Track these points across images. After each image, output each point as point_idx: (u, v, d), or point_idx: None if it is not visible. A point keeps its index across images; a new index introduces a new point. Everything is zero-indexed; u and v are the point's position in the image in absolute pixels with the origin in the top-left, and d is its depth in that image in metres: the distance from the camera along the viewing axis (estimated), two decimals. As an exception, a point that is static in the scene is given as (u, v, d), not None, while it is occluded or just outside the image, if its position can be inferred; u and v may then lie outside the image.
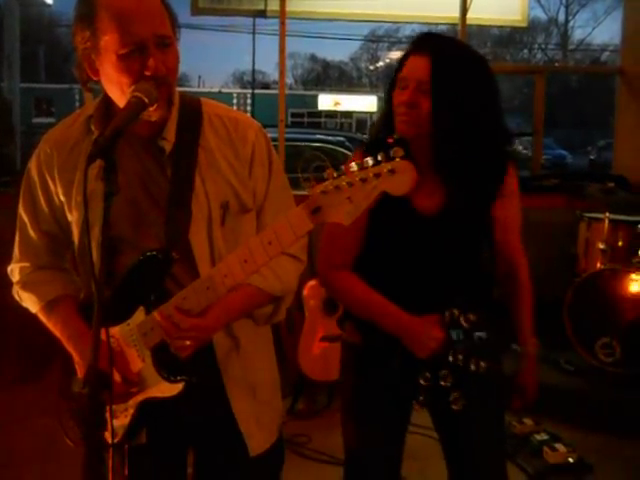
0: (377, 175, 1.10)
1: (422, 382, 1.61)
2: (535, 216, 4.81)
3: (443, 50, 1.60)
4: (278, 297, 1.47)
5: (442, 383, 1.58)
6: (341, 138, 7.23)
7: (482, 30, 20.86)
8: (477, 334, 1.56)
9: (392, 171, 1.09)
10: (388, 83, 1.68)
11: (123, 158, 1.34)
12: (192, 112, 1.43)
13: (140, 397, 1.38)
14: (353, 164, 1.12)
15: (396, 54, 21.43)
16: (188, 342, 1.32)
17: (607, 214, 3.85)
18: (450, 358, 1.56)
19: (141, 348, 1.37)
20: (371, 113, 21.34)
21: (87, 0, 1.30)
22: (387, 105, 1.67)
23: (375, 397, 1.75)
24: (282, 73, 4.93)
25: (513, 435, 3.17)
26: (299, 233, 1.20)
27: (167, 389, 1.36)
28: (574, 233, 4.22)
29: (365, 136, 15.14)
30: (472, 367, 1.55)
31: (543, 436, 3.13)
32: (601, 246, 3.83)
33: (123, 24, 1.26)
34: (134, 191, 1.39)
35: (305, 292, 3.52)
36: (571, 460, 2.96)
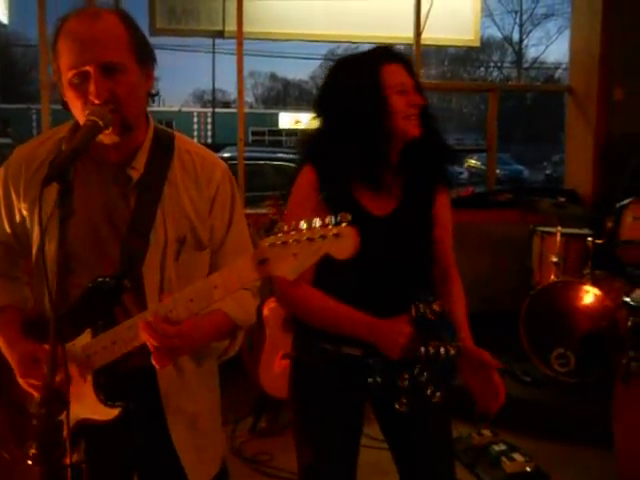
0: (323, 237, 1.15)
1: (401, 382, 1.61)
2: (491, 231, 4.95)
3: (405, 58, 1.74)
4: (236, 329, 1.50)
5: (421, 379, 1.59)
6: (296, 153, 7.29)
7: (440, 49, 21.29)
8: (443, 322, 1.60)
9: (337, 235, 1.14)
10: (364, 95, 1.68)
11: (89, 182, 1.38)
12: (164, 145, 1.47)
13: (77, 417, 1.39)
14: (303, 222, 1.17)
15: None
16: (171, 349, 1.31)
17: (559, 228, 3.96)
18: (422, 350, 1.56)
19: (83, 369, 1.38)
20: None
21: (57, 23, 1.35)
22: (376, 117, 1.67)
23: (327, 412, 1.77)
24: (240, 92, 4.97)
25: (472, 446, 3.23)
26: (244, 282, 1.24)
27: (104, 413, 1.38)
28: (529, 247, 4.32)
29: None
30: (443, 354, 1.57)
31: (501, 446, 3.19)
32: (554, 259, 3.93)
33: (73, 48, 1.30)
34: (96, 215, 1.41)
35: (265, 311, 3.53)
36: (528, 469, 3.02)
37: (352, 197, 1.68)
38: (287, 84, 25.74)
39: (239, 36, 4.78)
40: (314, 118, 1.76)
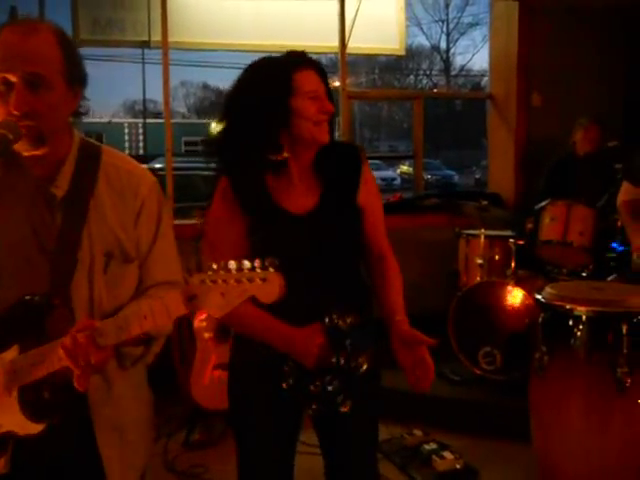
0: (250, 280, 1.19)
1: (312, 389, 1.66)
2: (419, 235, 5.05)
3: (318, 63, 1.76)
4: (151, 338, 1.50)
5: (329, 388, 1.65)
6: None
7: (370, 57, 21.59)
8: (355, 334, 1.65)
9: (264, 280, 1.19)
10: (274, 99, 1.69)
11: (16, 194, 1.38)
12: (90, 159, 1.47)
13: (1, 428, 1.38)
14: (232, 262, 1.20)
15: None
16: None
17: (482, 230, 4.08)
18: (334, 360, 1.63)
19: (9, 383, 1.37)
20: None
21: None
22: (274, 121, 1.68)
23: (262, 416, 1.79)
24: (167, 103, 4.93)
25: (404, 447, 3.29)
26: (173, 316, 1.26)
27: (28, 427, 1.37)
28: (455, 250, 4.43)
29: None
30: (353, 365, 1.64)
31: (432, 445, 3.25)
32: (479, 261, 4.05)
33: (3, 55, 1.32)
34: (23, 232, 1.41)
35: (196, 323, 3.51)
36: (458, 466, 3.10)
37: (270, 200, 1.71)
38: (220, 93, 25.59)
39: (164, 46, 4.75)
40: (219, 122, 1.75)
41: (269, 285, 1.18)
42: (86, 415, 1.46)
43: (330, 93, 1.74)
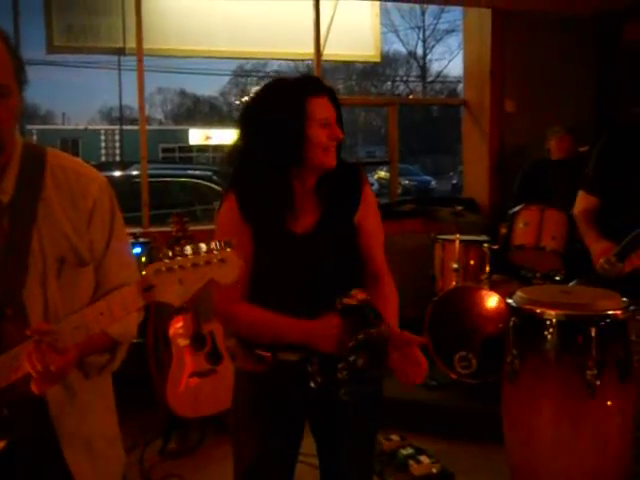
0: (208, 263, 1.17)
1: (340, 375, 1.65)
2: (396, 240, 5.06)
3: (331, 89, 1.80)
4: (116, 345, 1.48)
5: (359, 363, 1.63)
6: (208, 173, 7.26)
7: (348, 64, 21.65)
8: (369, 306, 1.67)
9: (222, 260, 1.17)
10: (287, 125, 1.73)
11: None
12: (35, 163, 1.43)
13: None
14: (188, 247, 1.18)
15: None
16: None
17: (458, 236, 4.11)
18: (354, 338, 1.63)
19: None
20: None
21: None
22: (296, 147, 1.73)
23: (265, 423, 1.82)
24: (142, 109, 4.91)
25: (381, 452, 3.29)
26: (130, 309, 1.24)
27: None
28: (431, 255, 4.46)
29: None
30: (375, 336, 1.63)
31: (409, 450, 3.26)
32: (454, 266, 4.08)
33: None
34: None
35: (172, 330, 3.50)
36: (434, 470, 3.12)
37: (273, 217, 1.75)
38: (197, 100, 25.55)
39: (139, 53, 4.73)
40: (237, 135, 1.81)
41: (227, 265, 1.16)
42: (51, 429, 1.42)
43: (341, 119, 1.79)
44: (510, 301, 2.25)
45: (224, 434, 3.42)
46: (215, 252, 1.16)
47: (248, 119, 1.80)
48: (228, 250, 1.17)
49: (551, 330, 2.08)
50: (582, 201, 2.78)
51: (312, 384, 1.70)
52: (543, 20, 5.22)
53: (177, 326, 3.51)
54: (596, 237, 2.56)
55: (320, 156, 1.73)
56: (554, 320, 2.08)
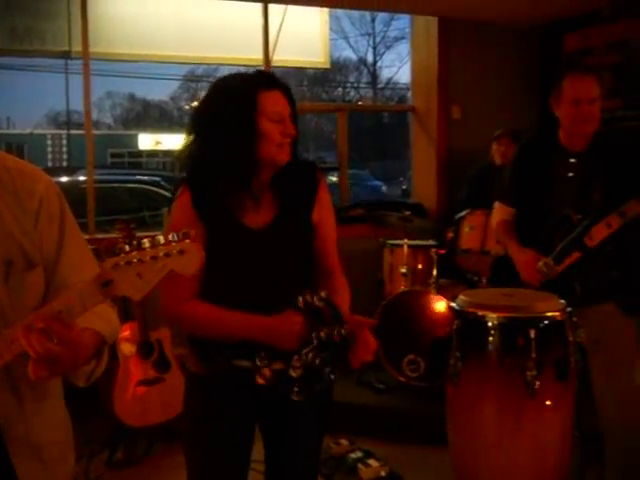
0: (167, 255, 1.15)
1: (294, 373, 1.65)
2: (345, 245, 5.05)
3: (286, 85, 1.78)
4: (103, 347, 1.44)
5: (317, 362, 1.65)
6: (157, 178, 7.19)
7: (299, 69, 21.69)
8: (332, 306, 1.68)
9: (181, 252, 1.15)
10: (238, 120, 1.71)
11: None
12: None
13: None
14: (146, 240, 1.16)
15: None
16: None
17: (406, 240, 4.17)
18: (313, 336, 1.64)
19: None
20: (193, 152, 21.28)
21: None
22: (248, 143, 1.70)
23: (217, 428, 1.81)
24: (87, 114, 4.82)
25: (331, 456, 3.30)
26: (88, 306, 1.21)
27: None
28: (380, 259, 4.51)
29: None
30: (337, 337, 1.65)
31: (358, 454, 3.29)
32: (402, 270, 4.13)
33: None
34: None
35: (118, 338, 3.44)
36: (383, 474, 3.14)
37: (228, 213, 1.74)
38: (147, 105, 25.24)
39: (85, 57, 4.67)
40: (188, 135, 1.79)
41: (188, 256, 1.15)
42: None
43: (295, 115, 1.78)
44: (453, 304, 2.29)
45: (172, 443, 3.39)
46: (174, 244, 1.15)
47: (201, 114, 1.77)
48: (187, 241, 1.15)
49: (492, 332, 2.13)
50: (499, 212, 2.84)
51: (260, 379, 1.68)
52: (489, 29, 5.33)
53: (124, 334, 3.46)
54: (518, 247, 2.62)
55: (273, 152, 1.71)
56: (495, 322, 2.12)
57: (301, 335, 1.65)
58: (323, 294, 1.68)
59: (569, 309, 2.15)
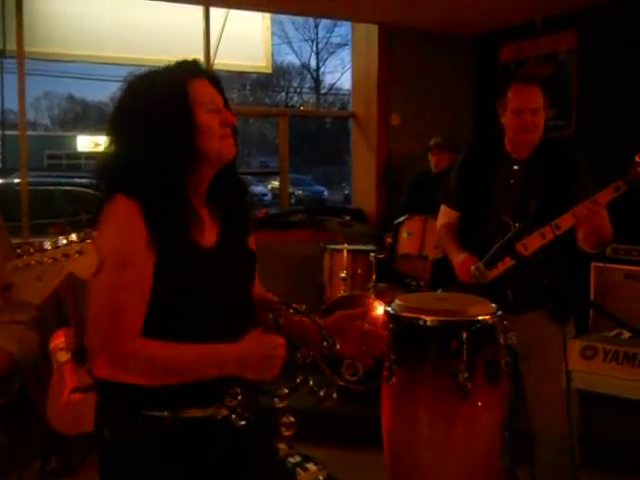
0: (66, 255, 1.13)
1: (279, 402, 1.51)
2: (286, 250, 5.11)
3: (211, 73, 1.63)
4: (17, 369, 1.41)
5: (311, 384, 1.51)
6: (95, 181, 7.03)
7: (242, 73, 21.59)
8: (312, 321, 1.55)
9: (80, 252, 1.14)
10: (170, 112, 1.49)
11: None
12: None
13: None
14: (47, 242, 1.14)
15: (157, 95, 21.19)
16: None
17: (345, 245, 4.21)
18: (299, 356, 1.49)
19: None
20: (134, 154, 20.95)
21: None
22: (187, 137, 1.49)
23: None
24: (22, 114, 4.71)
25: (269, 462, 3.30)
26: None
27: None
28: (321, 264, 4.54)
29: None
30: (326, 349, 1.51)
31: (296, 458, 3.28)
32: (342, 274, 4.17)
33: None
34: None
35: (52, 344, 3.37)
36: (321, 478, 3.15)
37: (178, 227, 1.48)
38: (86, 106, 24.69)
39: (20, 56, 4.56)
40: (110, 141, 1.54)
41: (86, 258, 1.13)
42: None
43: (228, 104, 1.60)
44: (389, 308, 2.33)
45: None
46: (74, 245, 1.14)
47: (127, 116, 1.53)
48: (87, 242, 1.14)
49: (426, 336, 2.17)
50: (444, 215, 2.91)
51: (238, 421, 1.44)
52: (428, 38, 5.45)
53: (58, 340, 3.38)
54: (457, 249, 2.68)
55: (217, 146, 1.51)
56: (429, 326, 2.17)
57: (284, 358, 1.39)
58: (296, 305, 1.51)
59: (500, 313, 2.21)
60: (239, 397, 1.44)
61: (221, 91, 1.59)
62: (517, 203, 2.61)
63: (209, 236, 1.55)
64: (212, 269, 1.51)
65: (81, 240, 1.14)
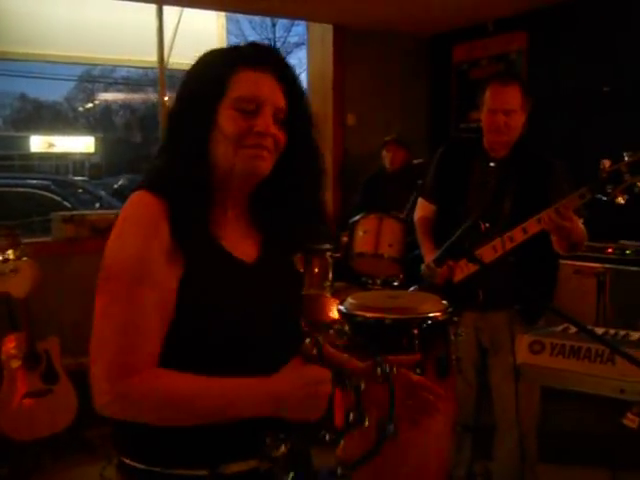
0: (1, 274, 1.12)
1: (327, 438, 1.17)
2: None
3: (287, 67, 1.29)
4: None
5: (366, 424, 1.23)
6: (47, 182, 6.93)
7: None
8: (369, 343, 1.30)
9: (15, 271, 1.12)
10: (197, 108, 1.23)
11: None
12: None
13: None
14: None
15: (113, 95, 20.97)
16: None
17: (302, 244, 4.20)
18: (348, 386, 1.23)
19: None
20: (89, 154, 20.63)
21: None
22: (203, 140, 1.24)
23: None
24: (-30, 115, 4.61)
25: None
26: None
27: None
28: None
29: (79, 178, 14.54)
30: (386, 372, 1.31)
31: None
32: (299, 274, 4.17)
33: None
34: None
35: (3, 350, 3.30)
36: None
37: (214, 240, 1.24)
38: (39, 105, 24.20)
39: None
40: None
41: (20, 276, 1.13)
42: None
43: (307, 120, 1.31)
44: (341, 307, 2.34)
45: (61, 457, 3.29)
46: (10, 262, 1.13)
47: (172, 105, 1.31)
48: (24, 259, 1.14)
49: (378, 333, 2.19)
50: (421, 208, 2.94)
51: (283, 474, 1.17)
52: (382, 38, 5.49)
53: (9, 345, 3.32)
54: (429, 246, 2.70)
55: (229, 155, 1.22)
56: (380, 323, 2.19)
57: (329, 394, 1.14)
58: (339, 327, 1.25)
59: (450, 310, 2.25)
60: (283, 445, 1.15)
61: (295, 94, 1.29)
62: (491, 203, 2.61)
63: (248, 250, 1.30)
64: (250, 287, 1.25)
65: (17, 258, 1.12)
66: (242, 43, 1.31)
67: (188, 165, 1.21)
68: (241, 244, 1.29)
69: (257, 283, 1.26)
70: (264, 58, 1.27)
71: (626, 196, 2.24)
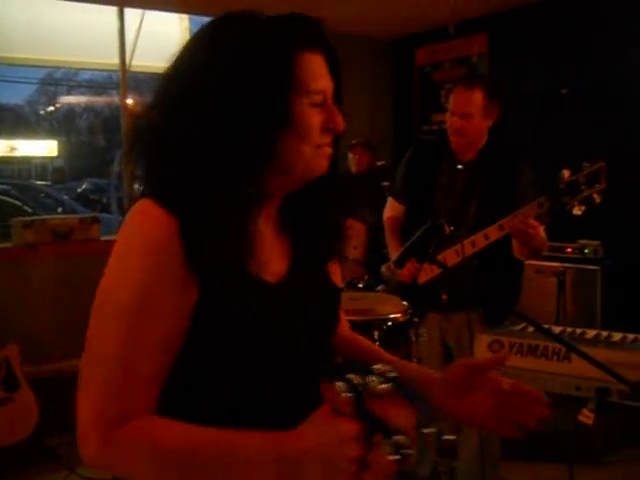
0: None
1: None
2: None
3: (329, 43, 1.09)
4: None
5: None
6: (7, 187, 6.81)
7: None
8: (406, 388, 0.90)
9: None
10: (261, 96, 1.00)
11: None
12: None
13: None
14: None
15: (76, 98, 20.67)
16: None
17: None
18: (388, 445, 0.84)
19: None
20: (52, 158, 20.33)
21: None
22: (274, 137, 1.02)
23: None
24: None
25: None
26: None
27: None
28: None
29: (42, 182, 14.28)
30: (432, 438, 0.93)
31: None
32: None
33: None
34: None
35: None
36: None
37: (237, 260, 0.99)
38: (0, 109, 23.81)
39: None
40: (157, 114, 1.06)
41: None
42: None
43: (339, 95, 1.11)
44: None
45: (24, 467, 3.23)
46: None
47: (179, 92, 1.04)
48: None
49: (339, 335, 2.20)
50: (390, 208, 2.95)
51: None
52: (345, 41, 5.50)
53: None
54: (396, 246, 2.72)
55: (307, 157, 1.05)
56: (342, 325, 2.20)
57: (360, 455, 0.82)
58: (382, 367, 0.85)
59: (410, 311, 2.26)
60: None
61: (336, 73, 1.10)
62: (455, 206, 2.61)
63: (276, 266, 1.10)
64: (275, 313, 1.04)
65: None
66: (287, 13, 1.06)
67: (243, 172, 0.99)
68: (269, 258, 1.08)
69: (283, 305, 1.06)
70: (320, 35, 1.07)
71: (583, 207, 2.26)
